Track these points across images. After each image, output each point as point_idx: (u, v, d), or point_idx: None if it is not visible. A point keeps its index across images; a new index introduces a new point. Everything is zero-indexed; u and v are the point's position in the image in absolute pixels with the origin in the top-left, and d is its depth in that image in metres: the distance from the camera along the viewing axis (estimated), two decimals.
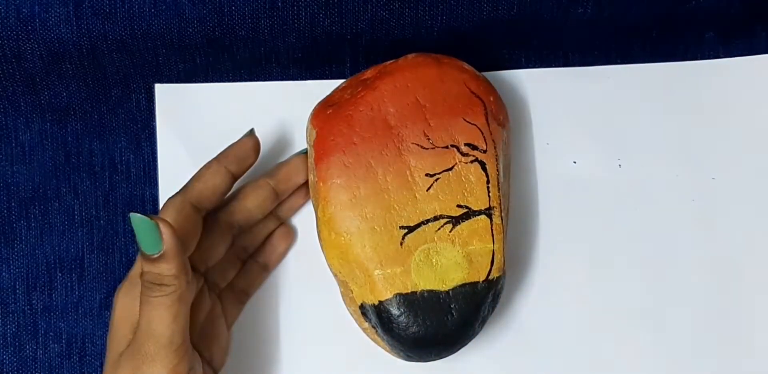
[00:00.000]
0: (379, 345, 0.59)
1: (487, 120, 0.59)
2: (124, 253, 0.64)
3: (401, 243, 0.57)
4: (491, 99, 0.60)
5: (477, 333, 0.59)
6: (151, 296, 0.53)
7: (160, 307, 0.52)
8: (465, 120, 0.58)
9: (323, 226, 0.58)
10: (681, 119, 0.62)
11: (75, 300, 0.64)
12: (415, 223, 0.57)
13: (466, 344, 0.59)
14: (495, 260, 0.58)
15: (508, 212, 0.60)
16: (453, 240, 0.57)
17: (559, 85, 0.64)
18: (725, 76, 0.65)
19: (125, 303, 0.55)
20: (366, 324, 0.58)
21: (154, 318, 0.52)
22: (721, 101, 0.65)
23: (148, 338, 0.53)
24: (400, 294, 0.57)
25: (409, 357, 0.58)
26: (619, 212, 0.62)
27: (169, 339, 0.53)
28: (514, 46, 0.65)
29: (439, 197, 0.58)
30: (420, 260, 0.57)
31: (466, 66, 0.60)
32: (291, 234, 0.63)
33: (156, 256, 0.52)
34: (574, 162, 0.63)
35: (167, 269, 0.52)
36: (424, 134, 0.58)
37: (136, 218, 0.52)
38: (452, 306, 0.57)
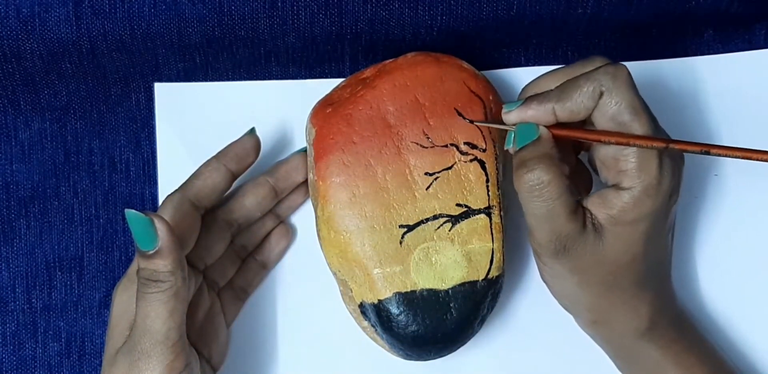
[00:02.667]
0: (378, 344, 0.59)
1: (486, 119, 0.59)
2: (123, 252, 0.64)
3: (401, 242, 0.57)
4: (491, 98, 0.60)
5: (476, 332, 0.59)
6: (147, 292, 0.53)
7: (156, 303, 0.52)
8: (464, 119, 0.58)
9: (322, 225, 0.58)
10: (681, 115, 0.62)
11: (74, 299, 0.64)
12: (415, 222, 0.57)
13: (465, 343, 0.59)
14: (494, 259, 0.58)
15: (507, 211, 0.60)
16: (452, 239, 0.57)
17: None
18: (724, 72, 0.65)
19: (123, 300, 0.56)
20: (365, 323, 0.58)
21: (150, 314, 0.53)
22: (721, 97, 0.65)
23: (144, 334, 0.53)
24: (399, 293, 0.57)
25: (408, 356, 0.58)
26: None
27: (165, 335, 0.53)
28: (514, 46, 0.65)
29: (439, 195, 0.58)
30: (419, 259, 0.57)
31: (466, 65, 0.60)
32: (290, 233, 0.63)
33: (151, 252, 0.52)
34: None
35: (163, 265, 0.52)
36: (424, 132, 0.58)
37: (132, 215, 0.52)
38: (451, 305, 0.57)
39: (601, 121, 0.53)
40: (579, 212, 0.54)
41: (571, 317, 0.60)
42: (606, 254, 0.54)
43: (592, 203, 0.54)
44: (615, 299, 0.56)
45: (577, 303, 0.57)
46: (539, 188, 0.53)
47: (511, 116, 0.55)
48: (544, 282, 0.57)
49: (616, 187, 0.54)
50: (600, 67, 0.54)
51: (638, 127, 0.53)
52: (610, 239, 0.54)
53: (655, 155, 0.53)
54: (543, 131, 0.54)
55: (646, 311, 0.56)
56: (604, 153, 0.54)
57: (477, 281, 0.57)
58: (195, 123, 0.64)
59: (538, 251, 0.55)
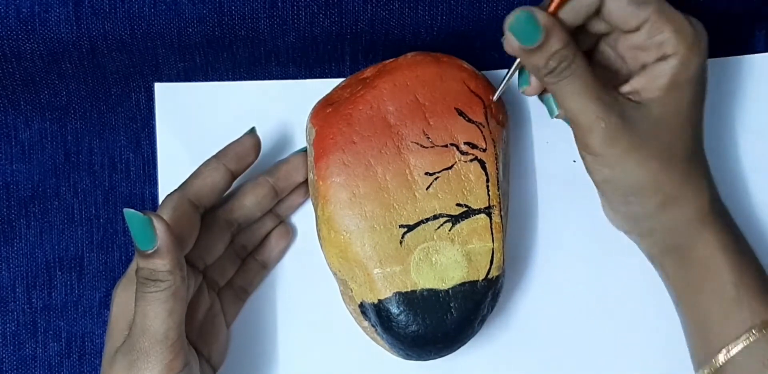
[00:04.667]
0: (379, 344, 0.59)
1: (486, 119, 0.59)
2: (123, 251, 0.64)
3: (401, 242, 0.57)
4: (491, 98, 0.60)
5: (476, 332, 0.59)
6: (146, 291, 0.53)
7: (155, 303, 0.52)
8: (464, 119, 0.58)
9: (323, 224, 0.58)
10: None
11: (75, 299, 0.64)
12: (415, 222, 0.57)
13: (465, 343, 0.59)
14: (494, 259, 0.58)
15: (507, 211, 0.60)
16: (452, 239, 0.57)
17: None
18: (724, 75, 0.65)
19: (123, 300, 0.56)
20: (365, 323, 0.58)
21: (149, 313, 0.53)
22: (720, 99, 0.65)
23: (143, 333, 0.53)
24: (399, 293, 0.56)
25: (408, 356, 0.58)
26: None
27: (164, 335, 0.53)
28: None
29: (439, 195, 0.58)
30: (419, 258, 0.57)
31: (466, 65, 0.60)
32: (290, 232, 0.63)
33: (150, 252, 0.52)
34: (574, 161, 0.63)
35: (162, 264, 0.52)
36: (424, 132, 0.58)
37: (131, 214, 0.52)
38: (452, 305, 0.57)
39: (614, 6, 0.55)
40: (612, 91, 0.55)
41: (571, 317, 0.60)
42: (658, 124, 0.55)
43: (638, 82, 0.55)
44: (677, 174, 0.56)
45: (642, 188, 0.56)
46: (565, 65, 0.53)
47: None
48: (601, 181, 0.57)
49: (660, 59, 0.55)
50: None
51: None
52: (659, 108, 0.55)
53: (683, 18, 0.54)
54: (544, 20, 0.54)
55: (706, 187, 0.57)
56: (636, 39, 0.55)
57: (477, 281, 0.57)
58: (195, 123, 0.64)
59: (587, 141, 0.55)
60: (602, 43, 0.59)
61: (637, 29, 0.55)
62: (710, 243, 0.57)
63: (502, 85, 0.58)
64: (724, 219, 0.58)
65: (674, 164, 0.56)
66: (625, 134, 0.54)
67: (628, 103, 0.55)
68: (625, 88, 0.56)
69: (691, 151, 0.57)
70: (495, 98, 0.59)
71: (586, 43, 0.59)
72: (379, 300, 0.57)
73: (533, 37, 0.53)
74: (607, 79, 0.57)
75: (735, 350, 0.55)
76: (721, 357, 0.56)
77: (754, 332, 0.55)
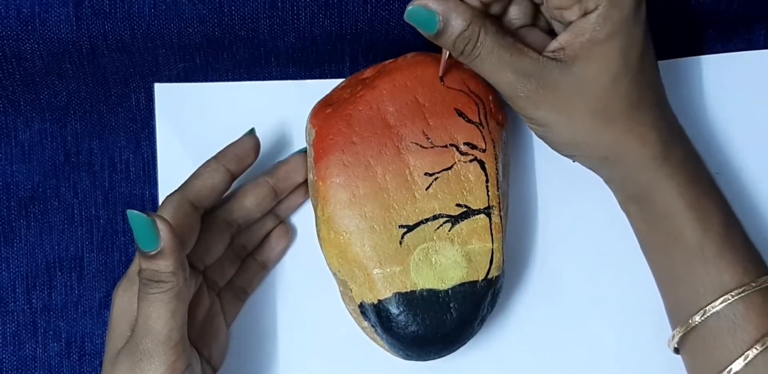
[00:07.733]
0: (378, 344, 0.59)
1: (486, 119, 0.59)
2: (123, 252, 0.64)
3: (400, 242, 0.57)
4: (490, 98, 0.60)
5: (476, 332, 0.59)
6: (148, 293, 0.53)
7: (158, 304, 0.52)
8: (464, 119, 0.58)
9: (322, 225, 0.58)
10: (680, 115, 0.62)
11: (74, 299, 0.64)
12: (415, 222, 0.57)
13: (465, 343, 0.59)
14: (494, 259, 0.58)
15: (507, 211, 0.60)
16: (452, 239, 0.57)
17: None
18: (724, 72, 0.65)
19: (124, 301, 0.56)
20: (365, 323, 0.58)
21: (152, 314, 0.53)
22: (721, 96, 0.65)
23: (146, 334, 0.53)
24: (399, 293, 0.57)
25: (408, 356, 0.58)
26: (618, 211, 0.62)
27: (167, 336, 0.53)
28: None
29: (439, 196, 0.58)
30: (419, 259, 0.57)
31: (466, 65, 0.60)
32: (290, 233, 0.63)
33: (153, 253, 0.52)
34: (574, 161, 0.63)
35: (165, 265, 0.52)
36: (424, 133, 0.58)
37: (134, 215, 0.52)
38: (451, 305, 0.57)
39: None
40: (533, 55, 0.54)
41: (571, 317, 0.60)
42: (585, 82, 0.54)
43: (563, 38, 0.54)
44: (616, 128, 0.55)
45: (580, 144, 0.56)
46: (471, 46, 0.54)
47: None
48: (541, 137, 0.57)
49: (583, 15, 0.54)
50: None
51: None
52: (585, 66, 0.54)
53: None
54: (439, 7, 0.53)
55: (656, 138, 0.56)
56: None
57: (477, 281, 0.57)
58: (195, 123, 0.64)
59: (513, 106, 0.55)
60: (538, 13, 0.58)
61: None
62: (670, 195, 0.56)
63: (442, 63, 0.58)
64: (686, 168, 0.57)
65: (611, 119, 0.55)
66: (547, 97, 0.54)
67: (551, 64, 0.54)
68: (553, 45, 0.55)
69: (631, 103, 0.55)
70: (441, 73, 0.59)
71: (524, 19, 0.58)
72: (379, 301, 0.57)
73: (432, 24, 0.54)
74: (543, 46, 0.56)
75: (704, 315, 0.55)
76: (692, 321, 0.56)
77: (722, 298, 0.55)
